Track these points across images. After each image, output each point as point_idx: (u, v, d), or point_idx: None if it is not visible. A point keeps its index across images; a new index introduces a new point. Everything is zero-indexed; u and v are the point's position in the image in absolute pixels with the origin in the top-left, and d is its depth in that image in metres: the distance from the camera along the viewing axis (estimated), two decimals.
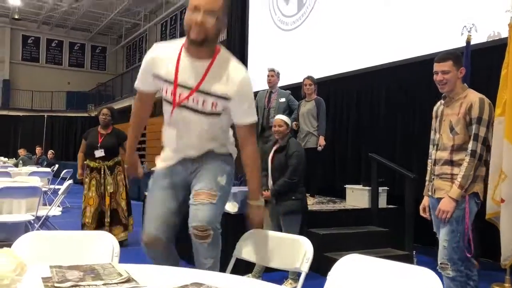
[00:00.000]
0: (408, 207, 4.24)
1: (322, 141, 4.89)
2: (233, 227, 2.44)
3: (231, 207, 3.93)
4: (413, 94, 5.32)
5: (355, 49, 6.11)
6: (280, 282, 3.54)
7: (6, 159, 12.01)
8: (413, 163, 5.06)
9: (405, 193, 4.38)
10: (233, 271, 1.79)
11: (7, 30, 20.68)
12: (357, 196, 4.98)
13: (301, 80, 5.19)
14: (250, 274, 3.54)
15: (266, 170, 3.67)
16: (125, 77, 18.80)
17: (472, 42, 4.02)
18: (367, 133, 5.99)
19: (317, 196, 5.29)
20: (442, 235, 2.53)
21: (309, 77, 5.11)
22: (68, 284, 1.13)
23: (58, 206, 4.67)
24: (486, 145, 2.50)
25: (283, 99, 5.21)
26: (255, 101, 5.16)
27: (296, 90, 5.59)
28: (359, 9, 6.14)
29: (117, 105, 16.00)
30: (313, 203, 4.85)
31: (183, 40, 1.93)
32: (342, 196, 5.38)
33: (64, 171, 8.39)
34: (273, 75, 5.25)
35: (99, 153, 4.76)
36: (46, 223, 4.45)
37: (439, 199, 2.56)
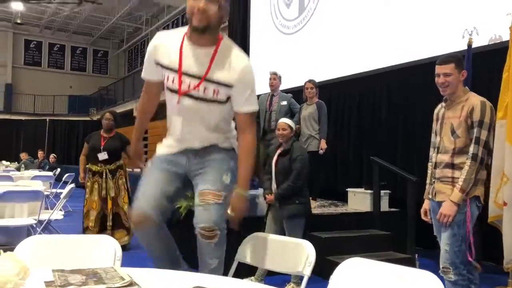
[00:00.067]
0: (410, 210, 4.23)
1: (323, 144, 4.90)
2: (235, 231, 2.43)
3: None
4: (415, 97, 5.31)
5: (357, 53, 6.12)
6: (282, 285, 3.53)
7: (8, 163, 12.03)
8: (415, 166, 5.05)
9: (407, 196, 4.38)
10: (235, 275, 1.79)
11: (9, 34, 20.77)
12: (359, 200, 4.98)
13: (303, 84, 5.20)
14: (252, 277, 3.54)
15: (270, 173, 3.67)
16: (127, 81, 18.84)
17: (474, 45, 4.01)
18: (368, 137, 5.99)
19: (319, 199, 5.28)
20: (444, 239, 2.53)
21: (310, 81, 5.12)
22: None
23: (60, 210, 4.67)
24: (488, 148, 2.50)
25: (284, 102, 5.22)
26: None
27: (297, 93, 5.60)
28: (360, 13, 6.15)
29: (119, 109, 16.03)
30: (315, 207, 4.84)
31: (185, 29, 1.94)
32: (344, 199, 5.37)
33: (66, 175, 8.40)
34: (275, 79, 5.27)
35: (102, 155, 4.77)
36: (48, 227, 4.45)
37: (439, 203, 2.56)
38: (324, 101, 5.14)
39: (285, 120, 3.73)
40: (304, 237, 3.30)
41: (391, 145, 5.60)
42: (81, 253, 1.65)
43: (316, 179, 4.99)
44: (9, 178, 6.57)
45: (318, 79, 5.41)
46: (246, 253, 1.89)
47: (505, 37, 4.14)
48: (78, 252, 1.66)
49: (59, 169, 10.25)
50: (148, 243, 2.02)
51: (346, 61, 6.28)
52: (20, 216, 4.32)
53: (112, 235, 4.28)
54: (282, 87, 5.51)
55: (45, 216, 4.33)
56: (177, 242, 2.13)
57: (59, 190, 7.38)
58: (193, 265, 2.13)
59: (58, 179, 8.84)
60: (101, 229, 4.70)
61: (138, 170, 2.48)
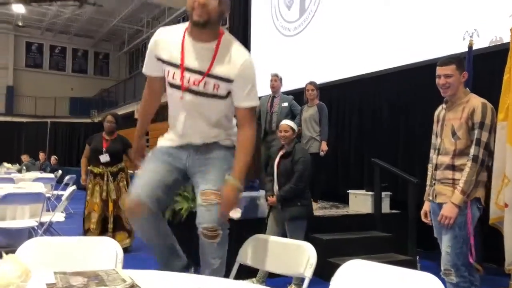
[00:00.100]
0: (411, 212, 4.23)
1: (324, 146, 4.90)
2: (236, 233, 2.44)
3: (234, 212, 3.93)
4: (416, 99, 5.31)
5: (357, 55, 6.12)
6: (283, 287, 3.53)
7: (9, 165, 12.04)
8: (416, 168, 5.05)
9: (408, 198, 4.38)
10: (237, 276, 1.80)
11: (11, 36, 20.81)
12: (360, 201, 4.98)
13: (303, 86, 5.21)
14: (254, 279, 3.54)
15: (272, 175, 3.67)
16: (128, 83, 18.86)
17: (474, 47, 4.02)
18: (369, 138, 5.99)
19: (320, 201, 5.28)
20: (445, 241, 2.53)
21: (311, 83, 5.13)
22: None
23: (62, 212, 4.67)
24: (488, 150, 2.50)
25: (285, 104, 5.23)
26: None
27: (298, 95, 5.61)
28: (361, 15, 6.15)
29: (120, 111, 16.04)
30: (316, 208, 4.84)
31: (186, 25, 1.95)
32: (345, 201, 5.37)
33: (67, 176, 8.41)
34: (276, 80, 5.29)
35: (104, 157, 4.78)
36: (49, 229, 4.46)
37: (440, 204, 2.56)
38: (325, 103, 5.15)
39: (287, 122, 3.72)
40: (306, 239, 3.31)
41: (392, 146, 5.60)
42: (83, 255, 1.65)
43: (317, 181, 4.99)
44: (11, 180, 6.58)
45: (319, 81, 5.42)
46: (247, 255, 1.89)
47: (506, 39, 4.14)
48: (79, 254, 1.66)
49: (60, 171, 10.26)
50: (143, 231, 2.00)
51: (347, 63, 6.28)
52: (21, 218, 4.33)
53: (113, 237, 4.28)
54: (283, 89, 5.52)
55: (46, 218, 4.34)
56: (178, 243, 2.13)
57: (60, 192, 7.40)
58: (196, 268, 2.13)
59: (59, 181, 8.86)
60: (102, 231, 4.70)
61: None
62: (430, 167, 2.72)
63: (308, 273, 1.65)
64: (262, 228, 3.65)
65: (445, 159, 2.55)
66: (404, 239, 4.27)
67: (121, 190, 4.84)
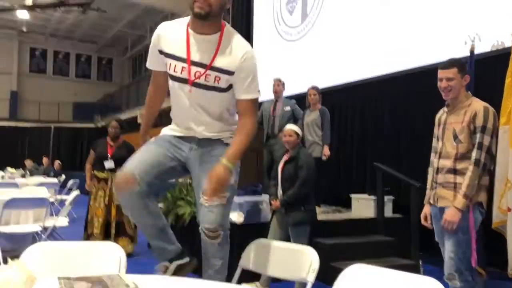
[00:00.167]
0: (414, 216, 4.22)
1: (326, 150, 4.90)
2: (239, 238, 2.45)
3: (237, 217, 3.93)
4: (417, 103, 5.31)
5: (359, 59, 6.14)
6: None
7: (13, 169, 12.08)
8: (418, 171, 5.03)
9: (410, 202, 4.37)
10: (240, 281, 1.80)
11: (15, 42, 20.92)
12: (362, 206, 4.97)
13: (306, 90, 5.22)
14: (257, 283, 3.54)
15: (276, 179, 3.67)
16: (131, 88, 18.92)
17: (476, 52, 4.02)
18: (371, 142, 5.99)
19: (322, 205, 5.28)
20: (448, 246, 2.52)
21: (313, 87, 5.14)
22: None
23: (65, 216, 4.69)
24: (490, 154, 2.49)
25: (288, 108, 5.25)
26: (260, 111, 5.13)
27: (300, 100, 5.62)
28: (363, 19, 6.17)
29: (123, 116, 16.08)
30: (319, 213, 4.84)
31: (188, 19, 1.96)
32: (347, 205, 5.37)
33: (71, 181, 8.43)
34: (278, 85, 5.31)
35: (109, 163, 4.79)
36: (53, 234, 4.47)
37: (441, 208, 2.56)
38: (327, 107, 5.16)
39: (291, 127, 3.71)
40: (309, 244, 3.30)
41: (394, 150, 5.59)
42: (86, 260, 1.66)
43: (320, 185, 4.99)
44: (15, 185, 6.61)
45: (321, 85, 5.43)
46: (249, 260, 1.90)
47: (508, 43, 4.15)
48: (83, 259, 1.67)
49: (64, 176, 10.28)
50: (131, 208, 1.97)
51: (349, 67, 6.29)
52: (25, 222, 4.34)
53: (115, 243, 4.29)
54: (285, 93, 5.54)
55: (50, 222, 4.35)
56: (181, 247, 2.13)
57: (64, 197, 7.42)
58: (197, 271, 2.14)
59: (63, 185, 8.88)
60: (105, 236, 4.71)
61: None
62: (430, 170, 2.72)
63: (310, 278, 1.65)
64: (264, 233, 3.65)
65: (447, 163, 2.55)
66: (407, 243, 4.26)
67: None
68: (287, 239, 3.50)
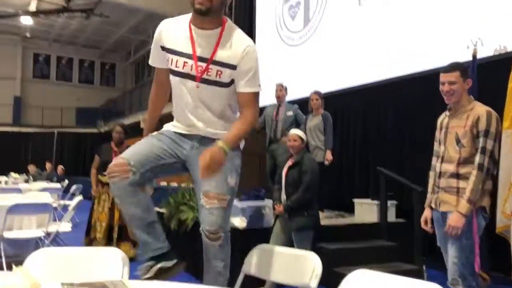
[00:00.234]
0: (417, 220, 4.20)
1: (329, 155, 4.90)
2: (242, 243, 2.45)
3: (240, 222, 3.93)
4: (420, 108, 5.31)
5: (362, 64, 6.14)
6: None
7: (17, 175, 12.11)
8: (421, 176, 5.02)
9: (414, 206, 4.36)
10: (242, 286, 1.80)
11: (18, 48, 21.05)
12: (365, 210, 4.96)
13: (308, 95, 5.23)
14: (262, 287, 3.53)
15: (280, 184, 3.67)
16: (134, 93, 18.97)
17: (479, 56, 4.03)
18: (374, 147, 5.98)
19: (325, 210, 5.27)
20: (452, 251, 2.51)
21: (316, 92, 5.15)
22: None
23: (68, 221, 4.70)
24: (493, 158, 2.49)
25: (290, 113, 5.26)
26: (262, 115, 5.11)
27: (303, 104, 5.63)
28: (365, 24, 6.18)
29: (126, 121, 16.12)
30: (322, 218, 4.83)
31: (189, 16, 1.97)
32: (350, 210, 5.36)
33: (74, 186, 8.45)
34: (281, 90, 5.32)
35: None
36: (56, 239, 4.48)
37: (444, 213, 2.55)
38: (329, 112, 5.16)
39: (296, 132, 3.70)
40: (312, 249, 3.29)
41: (397, 155, 5.59)
42: (89, 266, 1.67)
43: (322, 190, 4.99)
44: (18, 190, 6.63)
45: (323, 90, 5.44)
46: (252, 265, 1.90)
47: (510, 48, 4.15)
48: (86, 264, 1.68)
49: (67, 181, 10.31)
50: (120, 196, 1.95)
51: (351, 72, 6.30)
52: (28, 228, 4.35)
53: (118, 247, 4.29)
54: (288, 98, 5.55)
55: (53, 228, 4.36)
56: (183, 252, 2.14)
57: (67, 202, 7.43)
58: (199, 276, 2.14)
59: (66, 190, 8.90)
60: (107, 241, 4.71)
61: None
62: (432, 174, 2.71)
63: (313, 284, 1.65)
64: (267, 238, 3.64)
65: (450, 167, 2.54)
66: (410, 248, 4.25)
67: None
68: (289, 244, 3.50)
